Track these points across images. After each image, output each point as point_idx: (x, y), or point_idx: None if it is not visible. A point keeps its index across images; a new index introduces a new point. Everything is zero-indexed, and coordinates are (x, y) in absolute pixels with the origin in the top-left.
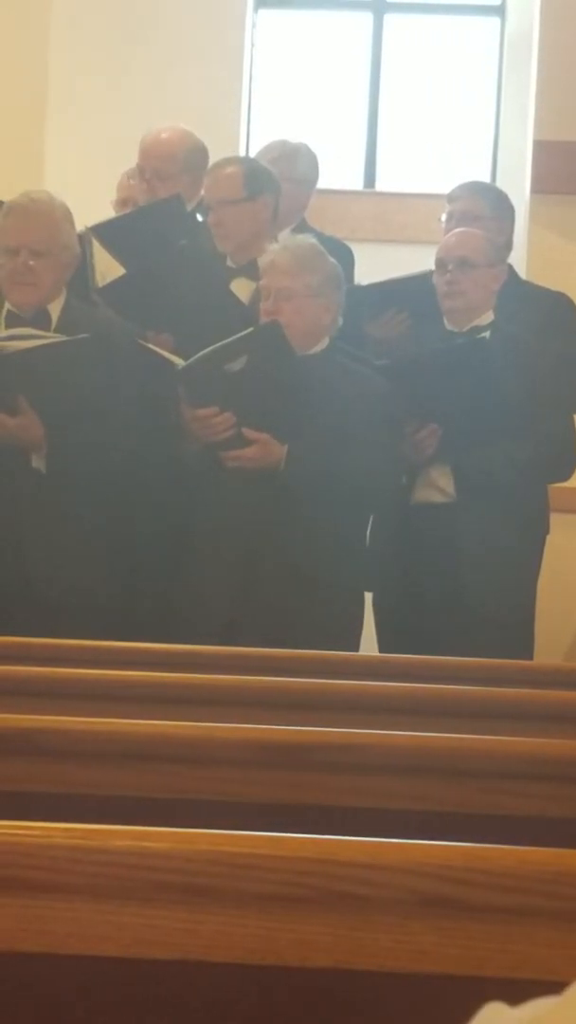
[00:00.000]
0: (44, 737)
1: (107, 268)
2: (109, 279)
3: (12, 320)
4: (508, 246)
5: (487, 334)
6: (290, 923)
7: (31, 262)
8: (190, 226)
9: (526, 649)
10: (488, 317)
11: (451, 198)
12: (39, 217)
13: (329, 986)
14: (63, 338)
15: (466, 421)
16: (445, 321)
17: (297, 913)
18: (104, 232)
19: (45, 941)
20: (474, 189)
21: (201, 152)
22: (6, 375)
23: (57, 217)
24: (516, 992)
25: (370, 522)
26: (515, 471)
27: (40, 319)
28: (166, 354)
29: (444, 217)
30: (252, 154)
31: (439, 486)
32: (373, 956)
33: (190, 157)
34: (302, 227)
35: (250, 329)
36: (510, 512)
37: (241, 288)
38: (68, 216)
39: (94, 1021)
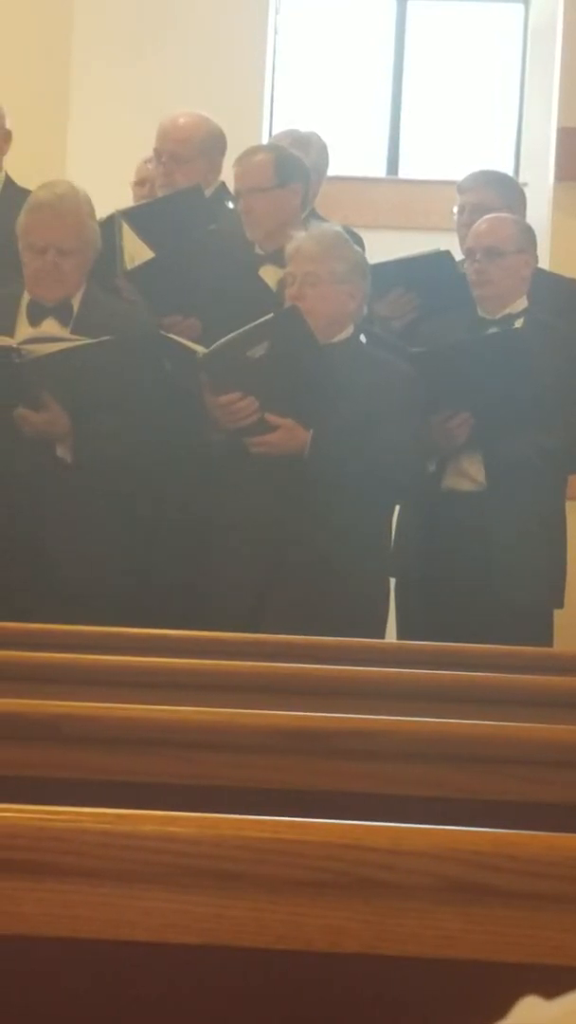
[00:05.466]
0: (70, 723)
1: (136, 252)
2: (138, 263)
3: (35, 310)
4: None
5: (520, 321)
6: (318, 908)
7: (58, 261)
8: (212, 213)
9: (548, 636)
10: (522, 304)
11: (461, 189)
12: (67, 216)
13: (357, 971)
14: (86, 340)
15: (498, 409)
16: (478, 308)
17: (325, 899)
18: (134, 217)
19: (74, 926)
20: (484, 180)
21: (218, 137)
22: (31, 377)
23: (84, 214)
24: (543, 978)
25: (396, 509)
26: (546, 460)
27: (63, 309)
28: (187, 343)
29: (456, 209)
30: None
31: (469, 474)
32: (400, 942)
33: (207, 142)
34: (312, 216)
35: (270, 315)
36: (539, 501)
37: (269, 275)
38: (92, 210)
39: (123, 1005)
